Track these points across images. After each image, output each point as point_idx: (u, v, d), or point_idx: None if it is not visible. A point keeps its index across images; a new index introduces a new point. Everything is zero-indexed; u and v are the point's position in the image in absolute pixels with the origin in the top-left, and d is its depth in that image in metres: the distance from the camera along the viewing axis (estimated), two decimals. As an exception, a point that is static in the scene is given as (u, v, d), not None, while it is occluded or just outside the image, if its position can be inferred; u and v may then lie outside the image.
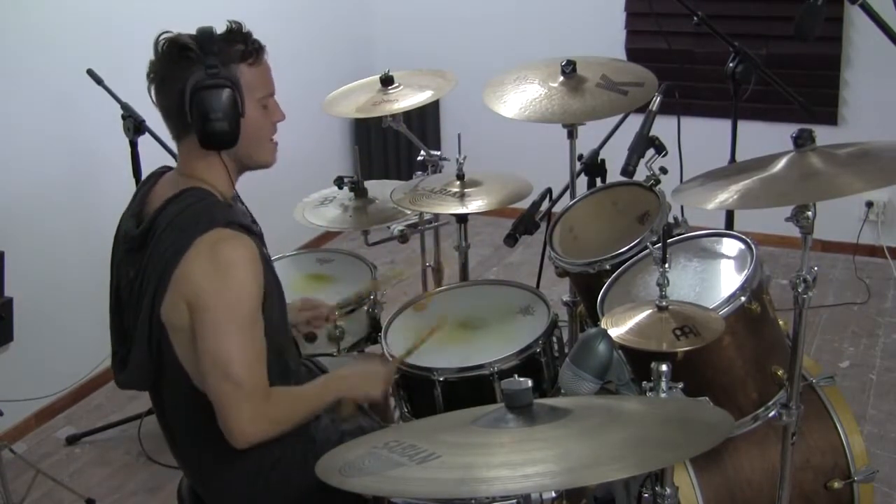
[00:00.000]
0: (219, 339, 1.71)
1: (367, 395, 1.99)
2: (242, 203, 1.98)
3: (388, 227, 2.81)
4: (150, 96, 1.83)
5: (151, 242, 1.76)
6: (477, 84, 2.84)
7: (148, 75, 1.82)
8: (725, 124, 2.80)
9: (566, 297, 2.82)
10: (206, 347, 1.72)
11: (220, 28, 1.82)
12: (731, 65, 2.67)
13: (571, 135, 2.81)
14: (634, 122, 2.54)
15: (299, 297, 2.36)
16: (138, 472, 3.15)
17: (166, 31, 1.81)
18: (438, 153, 2.97)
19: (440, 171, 2.94)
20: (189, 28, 1.81)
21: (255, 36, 1.84)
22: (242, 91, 1.78)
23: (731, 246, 2.16)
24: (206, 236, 1.72)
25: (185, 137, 1.83)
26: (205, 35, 1.78)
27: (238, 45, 1.80)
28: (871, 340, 3.71)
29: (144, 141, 2.98)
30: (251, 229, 1.81)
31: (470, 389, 2.20)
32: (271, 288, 1.83)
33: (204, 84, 1.74)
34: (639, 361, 1.81)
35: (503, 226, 2.74)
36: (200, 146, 1.79)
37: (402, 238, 2.82)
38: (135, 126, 2.94)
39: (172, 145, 2.84)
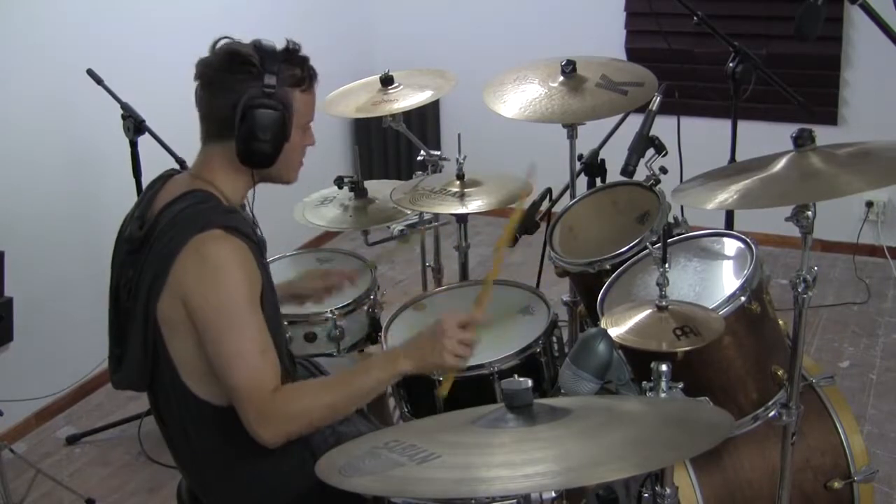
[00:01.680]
0: (214, 344, 1.71)
1: (428, 365, 1.82)
2: (251, 211, 1.97)
3: (388, 227, 2.81)
4: (196, 93, 1.81)
5: (151, 241, 1.76)
6: (477, 84, 2.84)
7: (199, 75, 1.80)
8: (725, 124, 2.80)
9: (566, 297, 2.82)
10: (209, 351, 1.73)
11: (278, 41, 1.80)
12: (731, 65, 2.67)
13: (571, 135, 2.81)
14: (634, 122, 2.54)
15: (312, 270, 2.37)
16: (138, 472, 3.15)
17: (226, 37, 1.80)
18: (438, 153, 2.97)
19: (440, 171, 2.94)
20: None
21: (266, 42, 1.80)
22: (292, 116, 1.78)
23: (731, 246, 2.17)
24: (197, 237, 1.71)
25: (217, 142, 1.81)
26: (269, 52, 1.77)
27: (296, 70, 1.78)
28: (871, 340, 3.71)
29: (144, 141, 2.97)
30: (249, 236, 1.79)
31: (470, 389, 2.19)
32: (268, 298, 1.81)
33: (259, 103, 1.73)
34: (639, 361, 1.81)
35: (503, 226, 2.74)
36: (239, 161, 1.79)
37: (403, 238, 2.82)
38: (135, 126, 2.94)
39: (173, 145, 2.89)
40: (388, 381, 1.83)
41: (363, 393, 1.81)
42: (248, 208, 1.98)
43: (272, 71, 1.75)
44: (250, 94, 1.74)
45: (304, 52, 1.82)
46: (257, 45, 1.78)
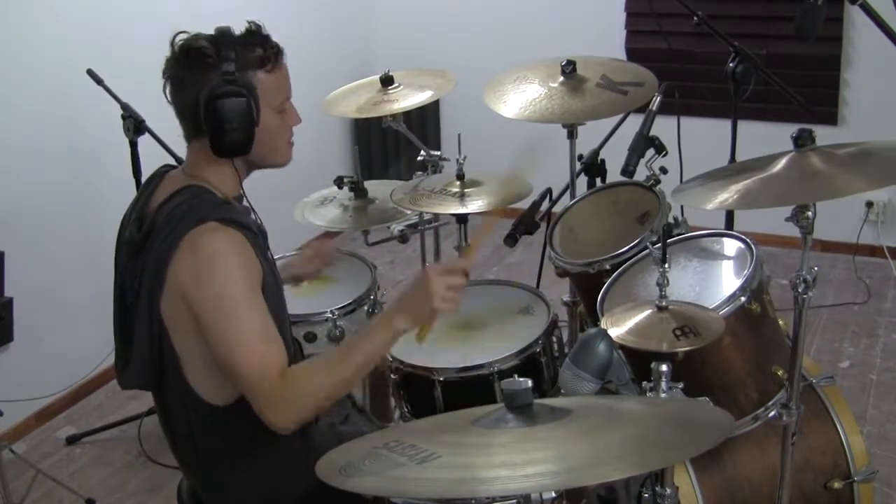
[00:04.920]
0: (216, 336, 1.70)
1: (422, 314, 1.78)
2: (249, 202, 1.97)
3: (388, 227, 2.81)
4: (165, 94, 1.80)
5: (149, 241, 1.76)
6: (477, 84, 2.84)
7: (163, 73, 1.79)
8: (725, 124, 2.80)
9: (566, 297, 2.82)
10: (211, 344, 1.72)
11: (238, 27, 1.78)
12: (731, 65, 2.67)
13: (571, 135, 2.81)
14: (634, 122, 2.54)
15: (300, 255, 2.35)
16: (138, 472, 3.15)
17: (183, 31, 1.78)
18: (438, 153, 2.97)
19: (440, 171, 2.94)
20: (190, 27, 1.80)
21: (224, 29, 1.77)
22: (258, 99, 1.76)
23: (731, 246, 2.17)
24: (192, 232, 1.71)
25: (196, 140, 1.81)
26: (224, 38, 1.74)
27: (257, 50, 1.76)
28: (871, 340, 3.71)
29: (144, 141, 2.98)
30: (246, 225, 1.78)
31: (470, 389, 2.19)
32: (270, 288, 1.81)
33: (219, 92, 1.72)
34: (639, 361, 1.81)
35: (503, 226, 2.74)
36: (214, 153, 1.78)
37: (402, 238, 2.82)
38: (135, 126, 2.95)
39: (173, 145, 2.89)
40: (389, 344, 1.80)
41: (368, 360, 1.78)
42: (245, 200, 1.98)
43: (228, 57, 1.72)
44: (210, 86, 1.72)
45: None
46: (215, 34, 1.75)
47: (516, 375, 1.48)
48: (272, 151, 1.85)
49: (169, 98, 1.80)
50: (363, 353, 1.76)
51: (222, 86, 1.72)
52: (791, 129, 1.91)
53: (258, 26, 1.79)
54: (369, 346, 1.77)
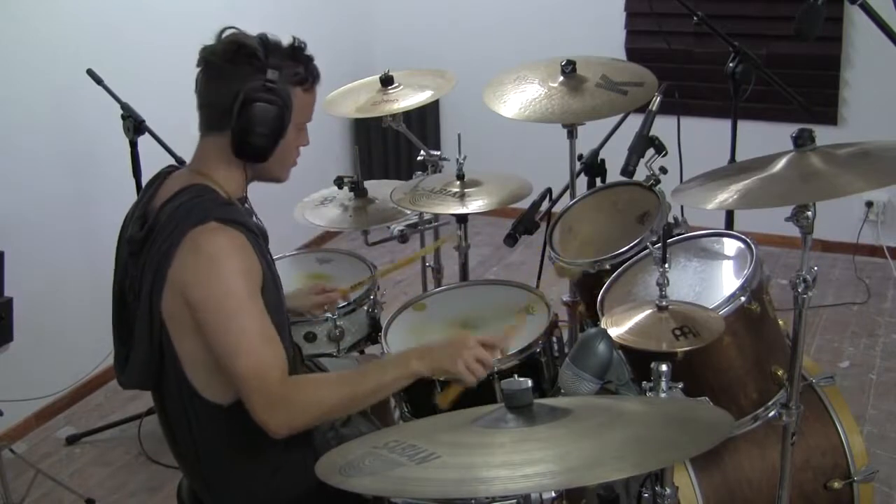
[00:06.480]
0: (216, 335, 1.70)
1: (441, 368, 1.80)
2: (250, 205, 1.97)
3: (388, 227, 2.81)
4: (196, 80, 1.80)
5: (151, 240, 1.76)
6: (477, 84, 2.85)
7: (202, 62, 1.79)
8: (725, 124, 2.80)
9: (566, 297, 2.82)
10: (211, 344, 1.72)
11: (247, 31, 1.80)
12: (731, 65, 2.67)
13: (571, 135, 2.81)
14: (634, 122, 2.54)
15: (306, 285, 2.31)
16: (138, 472, 3.15)
17: (232, 27, 1.80)
18: (438, 153, 2.97)
19: (440, 171, 2.94)
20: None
21: (272, 37, 1.80)
22: (291, 114, 1.78)
23: (730, 246, 2.17)
24: (193, 231, 1.71)
25: (214, 134, 1.81)
26: (272, 46, 1.77)
27: (299, 68, 1.78)
28: (871, 340, 3.71)
29: (144, 141, 2.98)
30: (247, 226, 1.78)
31: (470, 389, 2.19)
32: (270, 289, 1.81)
33: (259, 96, 1.73)
34: (639, 361, 1.81)
35: (503, 226, 2.74)
36: (233, 153, 1.79)
37: (402, 238, 2.82)
38: (135, 126, 2.94)
39: (173, 145, 2.89)
40: (402, 381, 1.80)
41: (376, 390, 1.79)
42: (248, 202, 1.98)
43: (275, 66, 1.75)
44: (251, 87, 1.73)
45: (307, 47, 1.82)
46: (263, 39, 1.78)
47: (516, 375, 1.48)
48: (281, 166, 1.88)
49: (200, 84, 1.80)
50: (373, 383, 1.78)
51: (263, 91, 1.73)
52: (791, 129, 1.91)
53: (304, 44, 1.81)
54: (382, 378, 1.78)
